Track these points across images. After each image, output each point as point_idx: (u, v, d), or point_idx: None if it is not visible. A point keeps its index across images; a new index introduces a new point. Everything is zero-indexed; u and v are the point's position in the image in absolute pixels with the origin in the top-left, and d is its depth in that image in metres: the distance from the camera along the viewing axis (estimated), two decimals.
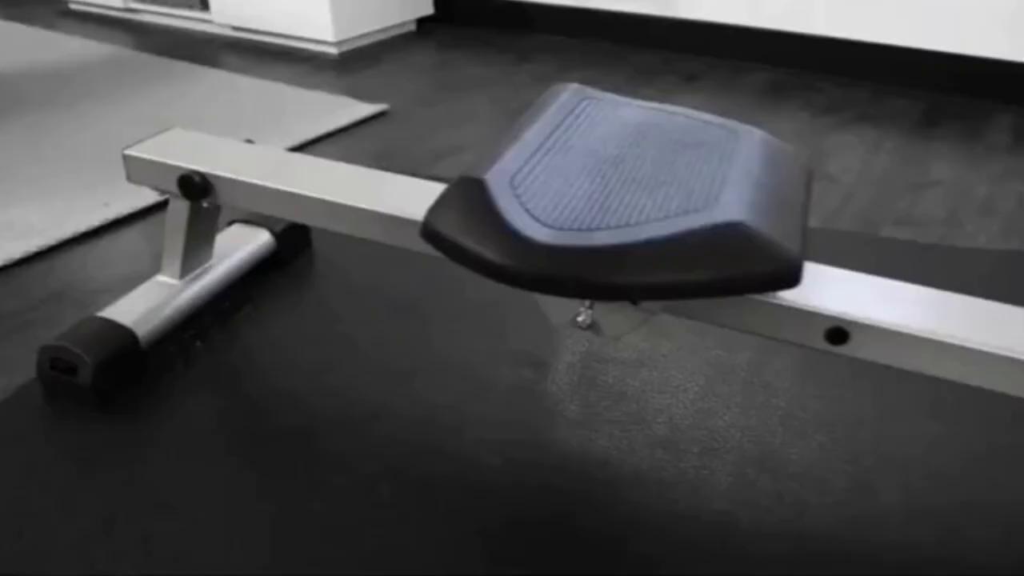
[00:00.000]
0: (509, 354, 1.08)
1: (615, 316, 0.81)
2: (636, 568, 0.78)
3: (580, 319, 0.82)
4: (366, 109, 1.96)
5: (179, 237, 1.09)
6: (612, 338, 0.84)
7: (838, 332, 0.77)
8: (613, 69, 2.25)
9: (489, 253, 0.70)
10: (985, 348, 0.74)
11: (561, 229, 0.70)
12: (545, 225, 0.71)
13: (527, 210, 0.72)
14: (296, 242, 1.31)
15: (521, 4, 2.62)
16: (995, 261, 1.32)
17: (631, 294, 0.69)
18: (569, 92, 0.95)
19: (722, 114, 1.93)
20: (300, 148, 1.78)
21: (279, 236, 1.27)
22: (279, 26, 2.47)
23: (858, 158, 1.70)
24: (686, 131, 0.88)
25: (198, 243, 1.13)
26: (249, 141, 1.10)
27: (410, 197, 0.94)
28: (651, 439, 0.94)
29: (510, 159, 0.79)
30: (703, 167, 0.80)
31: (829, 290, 0.80)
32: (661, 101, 2.02)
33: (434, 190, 0.94)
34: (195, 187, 1.01)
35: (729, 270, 0.68)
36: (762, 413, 0.98)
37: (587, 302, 0.82)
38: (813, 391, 1.01)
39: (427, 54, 2.44)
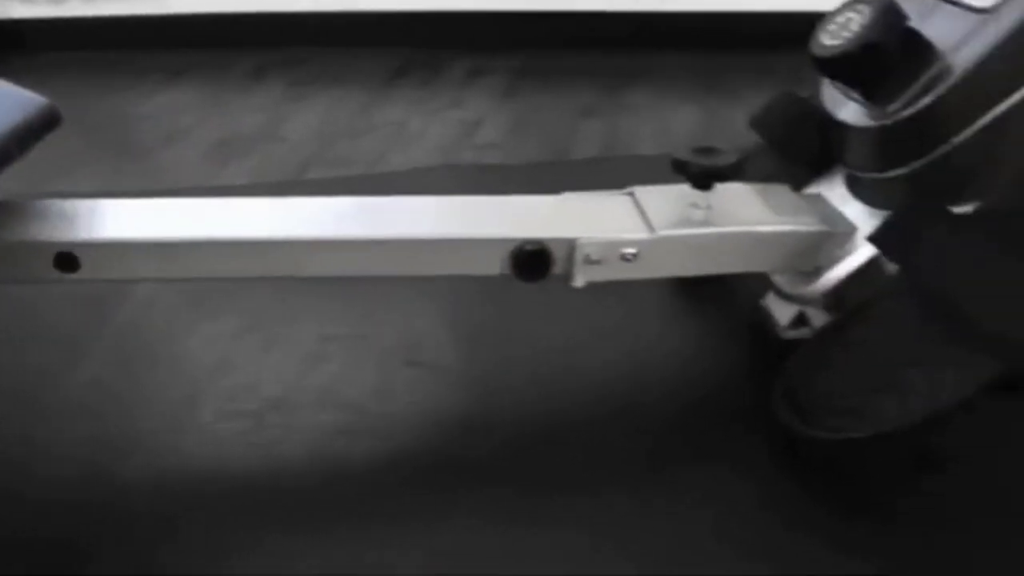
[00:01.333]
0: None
1: None
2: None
3: None
4: None
5: None
6: None
7: (66, 258, 0.77)
8: (107, 75, 2.16)
9: None
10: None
11: None
12: None
13: None
14: None
15: (10, 22, 2.42)
16: (399, 180, 1.43)
17: None
18: None
19: (199, 103, 1.93)
20: None
21: None
22: None
23: (317, 117, 1.77)
24: None
25: None
26: None
27: None
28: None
29: None
30: None
31: (55, 221, 0.79)
32: (138, 102, 1.96)
33: None
34: None
35: None
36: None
37: None
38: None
39: None
